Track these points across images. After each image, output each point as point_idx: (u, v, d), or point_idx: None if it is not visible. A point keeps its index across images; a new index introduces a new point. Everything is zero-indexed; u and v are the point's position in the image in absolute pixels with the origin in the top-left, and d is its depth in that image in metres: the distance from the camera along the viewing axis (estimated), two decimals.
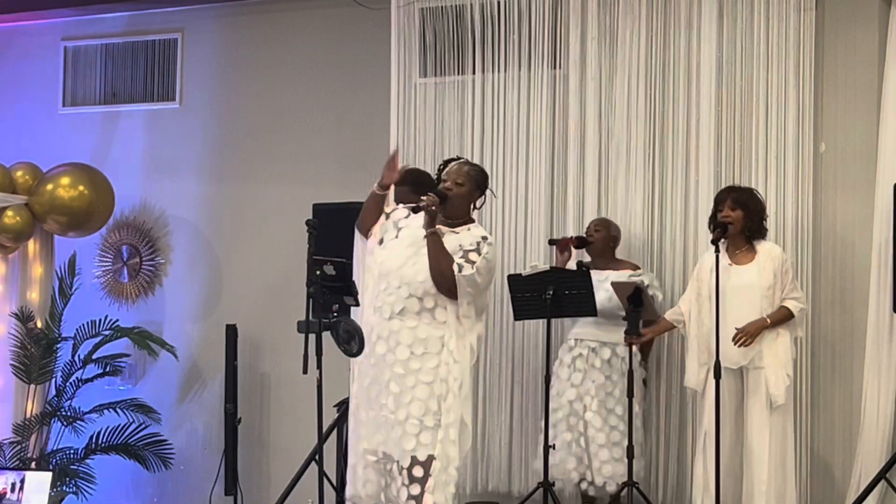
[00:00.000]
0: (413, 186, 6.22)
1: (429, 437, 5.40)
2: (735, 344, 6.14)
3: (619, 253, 7.06)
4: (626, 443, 6.58)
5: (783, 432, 6.21)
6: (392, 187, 5.77)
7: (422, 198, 5.55)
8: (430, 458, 5.39)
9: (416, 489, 5.38)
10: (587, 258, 7.03)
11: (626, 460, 6.57)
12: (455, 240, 5.58)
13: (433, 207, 5.50)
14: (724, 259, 6.30)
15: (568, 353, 6.87)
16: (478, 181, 5.69)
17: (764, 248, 6.35)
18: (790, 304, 6.25)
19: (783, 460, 6.19)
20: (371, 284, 5.66)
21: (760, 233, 6.40)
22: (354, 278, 5.74)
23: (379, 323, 5.51)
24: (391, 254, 5.57)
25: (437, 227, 5.56)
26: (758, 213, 6.38)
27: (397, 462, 5.45)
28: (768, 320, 6.19)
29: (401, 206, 5.79)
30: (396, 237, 5.64)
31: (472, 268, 5.44)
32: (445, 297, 5.46)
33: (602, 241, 6.94)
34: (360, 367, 5.64)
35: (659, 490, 7.03)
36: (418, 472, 5.40)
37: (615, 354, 6.78)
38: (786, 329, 6.26)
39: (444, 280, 5.42)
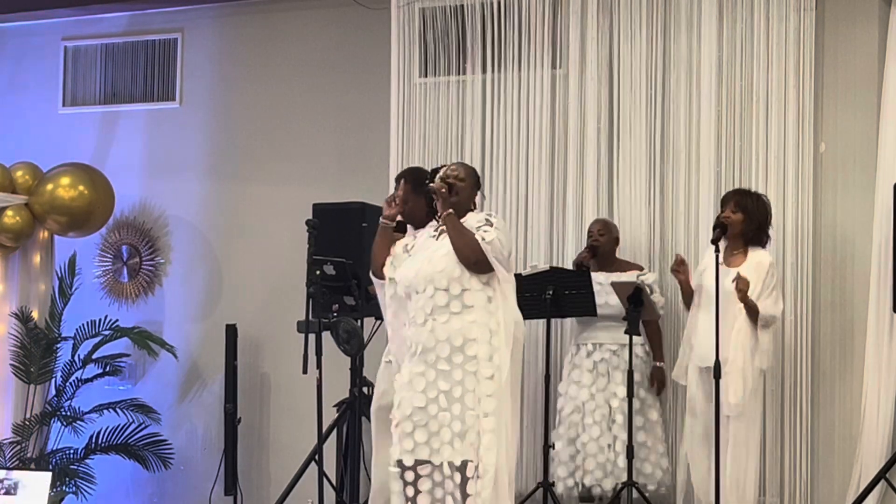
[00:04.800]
0: (413, 185, 6.21)
1: (481, 434, 5.27)
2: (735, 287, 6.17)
3: (620, 253, 7.07)
4: (651, 442, 6.70)
5: (745, 437, 6.19)
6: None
7: (430, 184, 5.54)
8: (478, 461, 5.28)
9: (472, 487, 5.26)
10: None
11: (654, 459, 6.69)
12: None
13: (443, 190, 5.48)
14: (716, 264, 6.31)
15: (588, 359, 6.85)
16: (474, 177, 5.68)
17: (755, 255, 6.35)
18: (759, 304, 6.22)
19: (746, 457, 6.18)
20: (390, 307, 5.62)
21: (759, 240, 6.40)
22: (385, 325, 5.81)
23: (416, 332, 5.40)
24: (408, 267, 5.52)
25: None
26: (758, 219, 6.39)
27: (449, 462, 5.30)
28: (749, 301, 6.18)
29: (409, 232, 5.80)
30: (409, 256, 5.61)
31: (492, 234, 5.38)
32: (471, 276, 5.36)
33: (608, 244, 6.95)
34: (400, 391, 5.48)
35: (660, 490, 7.02)
36: (471, 471, 5.28)
37: (636, 356, 6.78)
38: (761, 334, 6.25)
39: (472, 252, 5.33)
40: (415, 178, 6.16)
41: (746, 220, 6.34)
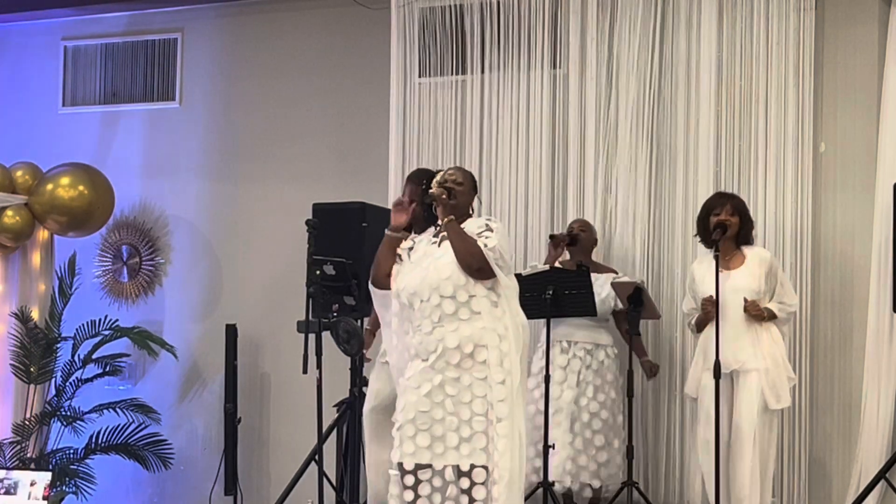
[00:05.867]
0: (421, 185, 6.21)
1: (494, 440, 5.22)
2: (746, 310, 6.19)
3: (619, 251, 7.08)
4: (618, 444, 6.69)
5: (769, 432, 6.23)
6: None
7: (430, 191, 5.52)
8: (490, 465, 5.23)
9: (480, 493, 5.22)
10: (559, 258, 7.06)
11: (619, 461, 6.67)
12: None
13: (444, 196, 5.47)
14: (714, 264, 6.31)
15: (561, 356, 6.84)
16: (472, 182, 5.67)
17: (753, 251, 6.38)
18: (773, 307, 6.27)
19: (766, 460, 6.19)
20: (398, 315, 5.53)
21: (749, 238, 6.44)
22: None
23: (423, 340, 5.34)
24: (410, 275, 5.46)
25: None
26: (750, 222, 6.45)
27: (454, 467, 5.25)
28: (765, 313, 6.23)
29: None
30: (410, 261, 5.59)
31: (494, 240, 5.36)
32: (476, 283, 5.32)
33: (587, 241, 6.96)
34: (403, 395, 5.42)
35: (660, 490, 7.03)
36: (479, 476, 5.24)
37: (608, 356, 6.80)
38: (779, 331, 6.28)
39: (475, 259, 5.29)
40: (425, 178, 6.13)
41: (742, 223, 6.37)
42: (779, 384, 6.19)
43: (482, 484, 5.23)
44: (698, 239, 6.47)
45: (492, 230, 5.39)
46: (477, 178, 7.27)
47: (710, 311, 6.23)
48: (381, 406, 6.20)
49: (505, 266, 5.37)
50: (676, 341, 7.03)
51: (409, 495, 5.31)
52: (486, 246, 5.31)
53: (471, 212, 5.58)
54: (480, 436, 5.26)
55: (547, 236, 7.27)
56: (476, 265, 5.31)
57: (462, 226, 5.44)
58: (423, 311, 5.37)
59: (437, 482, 5.29)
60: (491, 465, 5.23)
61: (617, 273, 6.94)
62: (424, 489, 5.30)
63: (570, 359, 6.81)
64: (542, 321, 6.80)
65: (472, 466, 5.24)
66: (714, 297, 6.19)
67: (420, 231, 5.70)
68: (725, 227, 6.30)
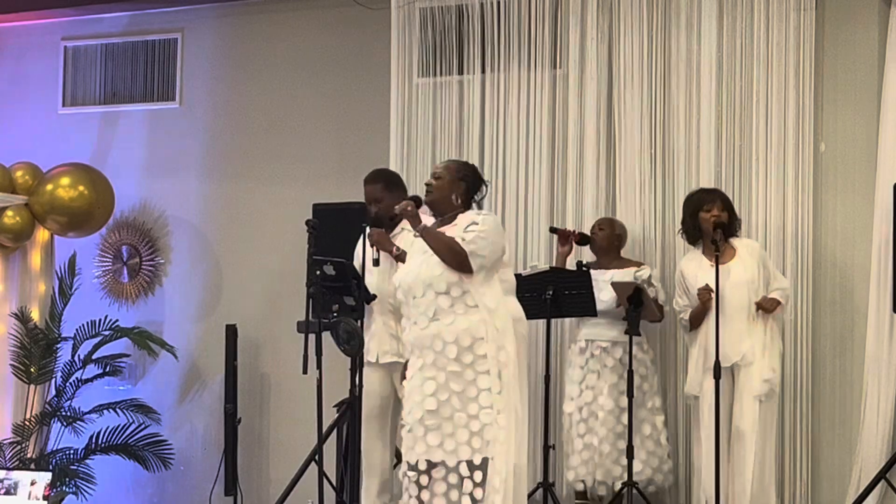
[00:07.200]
0: (385, 184, 6.41)
1: (493, 432, 5.29)
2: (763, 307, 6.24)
3: (625, 253, 7.06)
4: (638, 440, 6.65)
5: (771, 423, 6.28)
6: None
7: (395, 207, 5.62)
8: (489, 459, 5.29)
9: (483, 490, 5.27)
10: (587, 257, 7.05)
11: (643, 456, 6.67)
12: (452, 232, 5.48)
13: (409, 209, 5.53)
14: (705, 261, 6.32)
15: (580, 356, 6.86)
16: (459, 171, 5.62)
17: (742, 243, 6.43)
18: (777, 295, 6.32)
19: (763, 450, 6.22)
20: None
21: (735, 231, 6.48)
22: None
23: (419, 335, 5.41)
24: (405, 270, 5.55)
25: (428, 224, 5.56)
26: (736, 215, 6.51)
27: (468, 462, 5.29)
28: (776, 306, 6.29)
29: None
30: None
31: (472, 233, 5.36)
32: (470, 278, 5.36)
33: (605, 239, 6.93)
34: (409, 396, 5.48)
35: (661, 489, 7.02)
36: (489, 468, 5.28)
37: (626, 353, 6.78)
38: (775, 323, 6.30)
39: (456, 254, 5.33)
40: (387, 178, 6.47)
41: (730, 217, 6.43)
42: (767, 374, 6.22)
43: (491, 476, 5.26)
44: (684, 237, 6.50)
45: (476, 223, 5.41)
46: None
47: (708, 301, 6.24)
48: (376, 406, 6.23)
49: (481, 257, 5.34)
50: (678, 341, 7.02)
51: (426, 495, 5.35)
52: (463, 239, 5.34)
53: (460, 201, 5.56)
54: (488, 428, 5.28)
55: (547, 234, 7.30)
56: (458, 260, 5.36)
57: (455, 221, 5.48)
58: (417, 306, 5.41)
59: (452, 479, 5.33)
60: (496, 456, 5.26)
61: (643, 264, 6.90)
62: (440, 487, 5.34)
63: (587, 358, 6.82)
64: (556, 321, 6.86)
65: (485, 459, 5.28)
66: (710, 285, 6.22)
67: (387, 228, 6.13)
68: (724, 224, 6.32)
